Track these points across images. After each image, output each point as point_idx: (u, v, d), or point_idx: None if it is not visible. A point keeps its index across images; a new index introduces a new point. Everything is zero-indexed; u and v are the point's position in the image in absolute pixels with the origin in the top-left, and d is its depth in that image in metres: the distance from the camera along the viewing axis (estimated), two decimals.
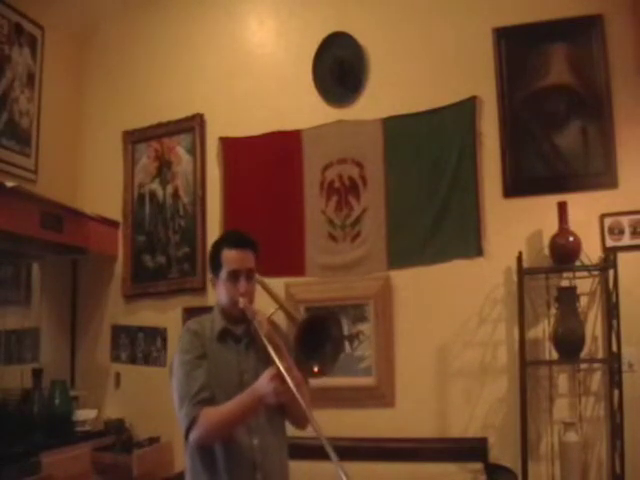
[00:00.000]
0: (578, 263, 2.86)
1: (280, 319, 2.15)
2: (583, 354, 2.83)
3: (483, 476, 2.92)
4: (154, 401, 3.40)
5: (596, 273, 2.92)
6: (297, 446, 2.06)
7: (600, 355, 2.91)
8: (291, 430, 2.01)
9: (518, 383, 2.85)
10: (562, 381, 2.95)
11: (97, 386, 3.75)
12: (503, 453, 2.98)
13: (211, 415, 1.78)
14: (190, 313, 3.41)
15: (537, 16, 3.13)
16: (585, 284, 2.93)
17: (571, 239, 2.85)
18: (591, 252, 2.88)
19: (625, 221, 2.94)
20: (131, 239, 3.83)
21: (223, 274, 1.94)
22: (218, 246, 1.99)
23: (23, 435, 3.09)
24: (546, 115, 3.10)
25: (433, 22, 3.34)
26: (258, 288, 2.04)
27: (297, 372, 1.77)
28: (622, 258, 2.78)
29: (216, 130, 3.68)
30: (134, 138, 3.89)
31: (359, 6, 3.48)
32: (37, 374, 3.34)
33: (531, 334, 2.97)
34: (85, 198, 3.89)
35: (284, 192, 3.49)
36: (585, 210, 2.95)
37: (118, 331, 3.81)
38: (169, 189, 3.77)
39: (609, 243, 2.95)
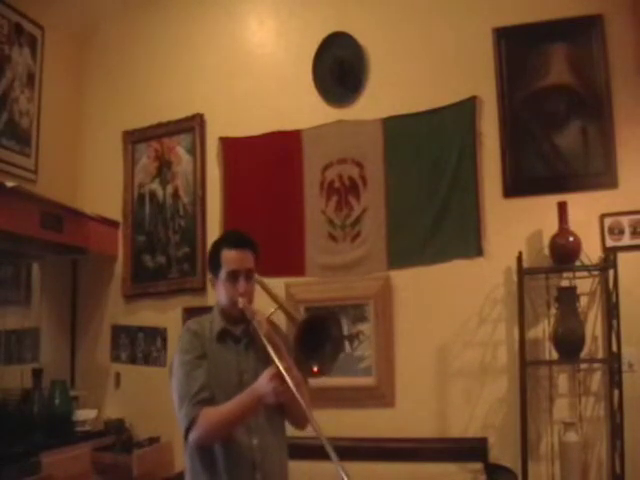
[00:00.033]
0: (578, 263, 2.86)
1: (280, 319, 2.15)
2: (583, 354, 2.83)
3: (483, 476, 2.92)
4: (154, 401, 3.40)
5: (596, 273, 2.92)
6: (297, 446, 2.06)
7: (600, 355, 2.91)
8: (291, 430, 2.01)
9: (518, 383, 2.85)
10: (562, 381, 2.95)
11: (97, 386, 3.75)
12: (503, 453, 2.98)
13: (211, 415, 1.78)
14: (190, 313, 3.41)
15: (537, 16, 3.13)
16: (585, 284, 2.93)
17: (571, 239, 2.85)
18: (591, 252, 2.88)
19: (625, 221, 2.94)
20: (131, 239, 3.83)
21: (222, 274, 1.94)
22: (217, 246, 1.99)
23: (23, 435, 3.08)
24: (546, 115, 3.10)
25: (433, 22, 3.34)
26: (258, 288, 2.05)
27: (297, 372, 1.77)
28: (622, 258, 2.78)
29: (216, 130, 3.68)
30: (134, 138, 3.89)
31: (359, 6, 3.48)
32: (37, 374, 3.34)
33: (531, 334, 2.97)
34: (85, 198, 3.89)
35: (284, 192, 3.49)
36: (585, 210, 2.95)
37: (118, 331, 3.81)
38: (169, 189, 3.77)
39: (609, 243, 2.95)
